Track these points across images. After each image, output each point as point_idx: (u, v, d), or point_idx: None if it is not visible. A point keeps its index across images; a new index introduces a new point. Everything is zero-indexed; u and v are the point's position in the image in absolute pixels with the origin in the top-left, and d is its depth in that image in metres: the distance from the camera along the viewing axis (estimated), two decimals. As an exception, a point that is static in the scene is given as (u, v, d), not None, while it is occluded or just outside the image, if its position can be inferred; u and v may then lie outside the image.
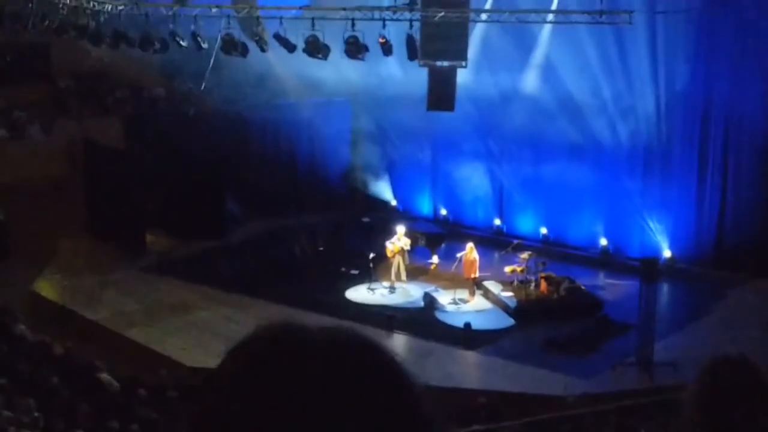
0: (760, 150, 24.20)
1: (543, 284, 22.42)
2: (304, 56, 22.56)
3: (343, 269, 24.55)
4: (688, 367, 17.35)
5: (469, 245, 22.76)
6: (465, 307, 22.32)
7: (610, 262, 25.48)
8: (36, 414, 13.78)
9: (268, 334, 1.46)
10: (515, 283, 22.68)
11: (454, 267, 22.95)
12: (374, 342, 1.46)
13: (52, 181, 25.00)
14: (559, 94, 25.94)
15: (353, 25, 21.47)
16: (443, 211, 29.33)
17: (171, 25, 23.59)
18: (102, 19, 24.55)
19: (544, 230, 27.11)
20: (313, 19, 22.02)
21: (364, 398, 1.38)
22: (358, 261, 24.20)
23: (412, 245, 23.85)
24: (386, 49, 22.23)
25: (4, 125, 26.04)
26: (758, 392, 2.66)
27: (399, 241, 23.40)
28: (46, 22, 25.02)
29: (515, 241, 24.87)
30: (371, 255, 23.41)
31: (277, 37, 22.79)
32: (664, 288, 23.07)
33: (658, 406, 15.32)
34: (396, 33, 22.16)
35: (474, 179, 28.46)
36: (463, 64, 22.80)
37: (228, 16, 22.91)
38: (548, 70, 26.01)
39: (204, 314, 22.01)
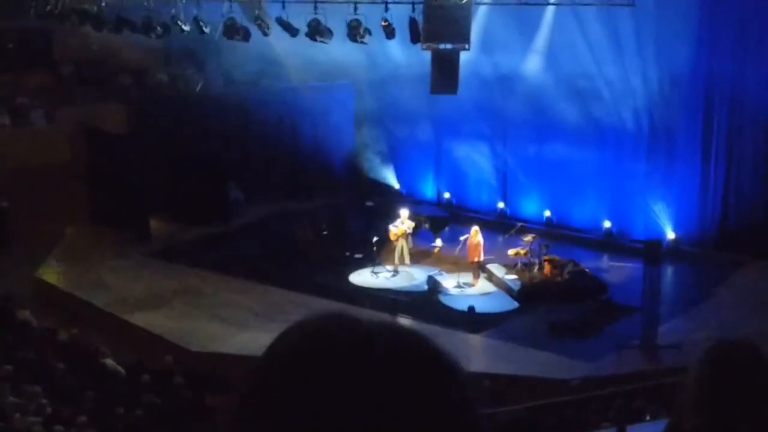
0: (765, 131, 24.15)
1: (547, 267, 22.41)
2: (307, 40, 22.53)
3: (346, 253, 24.55)
4: (693, 350, 17.38)
5: (474, 228, 22.74)
6: (469, 290, 22.32)
7: (613, 244, 25.46)
8: (42, 401, 13.82)
9: (316, 325, 1.45)
10: (519, 266, 22.67)
11: (457, 250, 22.94)
12: (425, 337, 1.46)
13: (56, 167, 24.99)
14: (563, 76, 25.92)
15: (356, 8, 21.41)
16: (447, 195, 29.33)
17: (173, 10, 23.57)
18: (104, 4, 24.53)
19: (547, 213, 27.10)
20: (315, 2, 21.94)
21: (419, 394, 1.38)
22: (361, 245, 24.22)
23: (415, 229, 23.87)
24: (389, 32, 22.18)
25: (7, 112, 26.02)
26: (760, 377, 2.65)
27: (402, 224, 23.40)
28: (48, 7, 24.99)
29: (519, 224, 24.90)
30: (375, 239, 23.43)
31: (280, 21, 22.75)
32: (668, 270, 23.05)
33: (663, 389, 15.32)
34: (398, 16, 22.10)
35: (477, 162, 28.44)
36: (466, 46, 22.68)
37: (230, 0, 22.86)
38: (552, 52, 25.98)
39: (209, 299, 22.05)
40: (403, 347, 1.43)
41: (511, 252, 22.87)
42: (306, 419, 1.34)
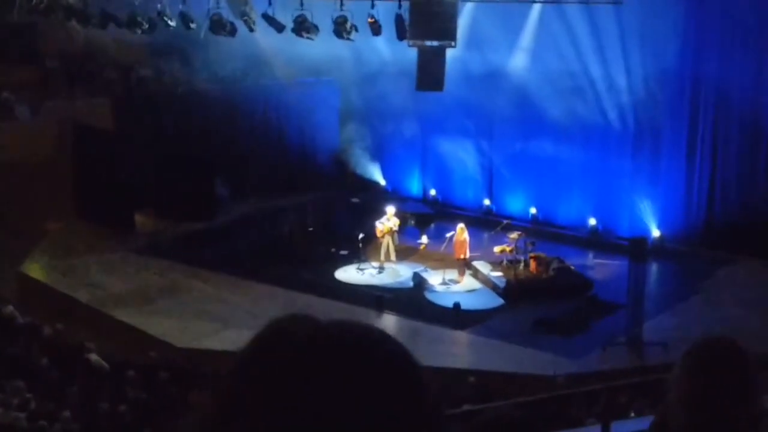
0: (750, 128, 24.23)
1: (532, 264, 22.44)
2: (293, 36, 22.49)
3: (332, 249, 24.53)
4: (678, 347, 17.42)
5: (460, 226, 22.76)
6: (454, 287, 22.33)
7: (599, 241, 25.51)
8: (26, 395, 13.78)
9: (283, 327, 1.45)
10: (504, 263, 22.69)
11: (443, 247, 22.96)
12: (387, 335, 1.47)
13: (41, 162, 24.90)
14: (549, 73, 25.95)
15: (342, 4, 21.39)
16: (432, 192, 29.34)
17: (159, 5, 23.48)
18: (89, -1, 24.43)
19: (533, 210, 27.14)
20: (301, -2, 21.94)
21: (379, 389, 1.38)
22: (347, 241, 24.20)
23: (401, 225, 23.86)
24: (375, 28, 22.18)
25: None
26: (743, 375, 2.66)
27: (388, 221, 23.39)
28: (33, 2, 24.86)
29: (504, 221, 24.89)
30: (360, 235, 23.40)
31: (266, 16, 22.71)
32: (653, 267, 23.12)
33: (647, 386, 15.35)
34: (385, 12, 22.10)
35: (463, 159, 28.46)
36: (452, 44, 22.69)
37: (216, -5, 22.81)
38: (537, 50, 26.00)
39: (194, 295, 22.01)
40: (400, 350, 1.45)
41: (496, 249, 22.89)
42: (306, 419, 1.34)
